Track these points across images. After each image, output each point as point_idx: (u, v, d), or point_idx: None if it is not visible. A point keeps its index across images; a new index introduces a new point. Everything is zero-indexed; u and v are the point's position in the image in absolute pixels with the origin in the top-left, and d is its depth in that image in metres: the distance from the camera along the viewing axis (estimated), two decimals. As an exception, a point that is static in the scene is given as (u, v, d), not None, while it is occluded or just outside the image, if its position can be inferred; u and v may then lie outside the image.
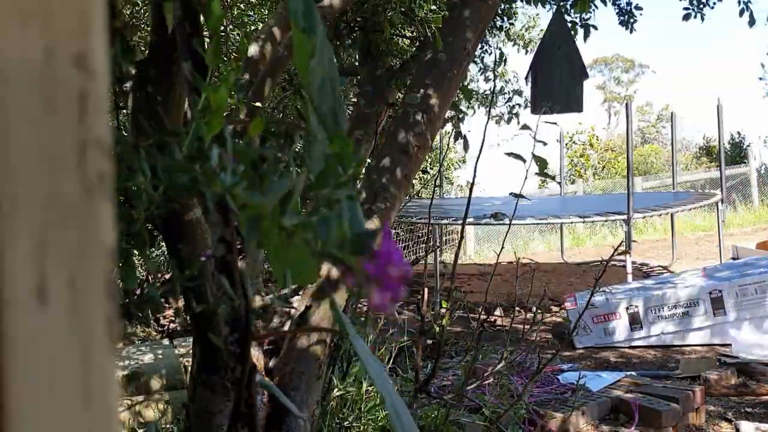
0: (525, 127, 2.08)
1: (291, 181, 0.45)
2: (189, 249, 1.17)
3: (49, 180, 0.28)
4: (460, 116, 4.54)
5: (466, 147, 3.25)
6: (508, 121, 7.23)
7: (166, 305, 0.87)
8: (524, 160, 1.92)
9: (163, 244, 1.42)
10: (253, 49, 1.87)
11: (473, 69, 7.70)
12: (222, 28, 3.85)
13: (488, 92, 6.69)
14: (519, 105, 7.26)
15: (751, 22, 4.91)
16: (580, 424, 3.25)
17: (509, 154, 1.92)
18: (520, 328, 3.43)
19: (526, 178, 2.09)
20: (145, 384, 3.17)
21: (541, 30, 7.14)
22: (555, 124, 2.53)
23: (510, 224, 2.61)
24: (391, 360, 3.29)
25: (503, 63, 6.77)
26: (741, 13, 4.91)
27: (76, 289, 0.28)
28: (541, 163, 1.89)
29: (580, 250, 10.68)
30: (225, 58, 3.90)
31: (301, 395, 1.59)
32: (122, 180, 0.72)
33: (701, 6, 5.02)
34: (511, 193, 2.07)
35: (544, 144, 2.11)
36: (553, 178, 2.13)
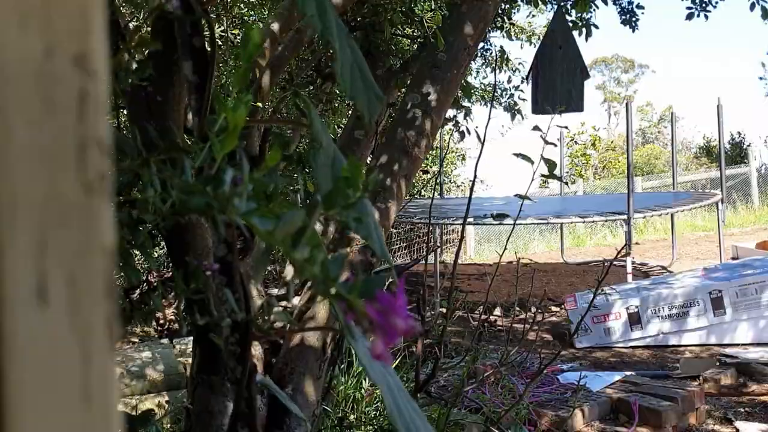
0: (536, 128, 2.08)
1: (304, 213, 0.45)
2: (192, 256, 1.17)
3: (49, 180, 0.28)
4: (465, 112, 4.54)
5: (462, 136, 3.24)
6: (512, 116, 7.22)
7: (165, 304, 0.87)
8: (532, 162, 1.92)
9: (163, 243, 1.41)
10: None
11: (478, 62, 7.67)
12: (222, 28, 3.85)
13: (493, 85, 6.67)
14: (523, 100, 7.24)
15: (764, 15, 4.87)
16: (580, 424, 3.25)
17: (517, 155, 1.91)
18: (520, 329, 3.43)
19: (533, 179, 2.09)
20: (145, 383, 3.17)
21: (547, 20, 7.12)
22: (566, 127, 2.54)
23: (514, 224, 2.60)
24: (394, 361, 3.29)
25: (506, 60, 6.75)
26: (752, 7, 4.87)
27: (76, 289, 0.28)
28: (550, 164, 1.88)
29: (580, 250, 10.68)
30: (225, 59, 3.90)
31: (301, 395, 1.59)
32: (127, 189, 0.72)
33: (704, 5, 5.00)
34: (516, 195, 2.07)
35: (555, 145, 2.11)
36: (560, 179, 2.12)
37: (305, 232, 0.44)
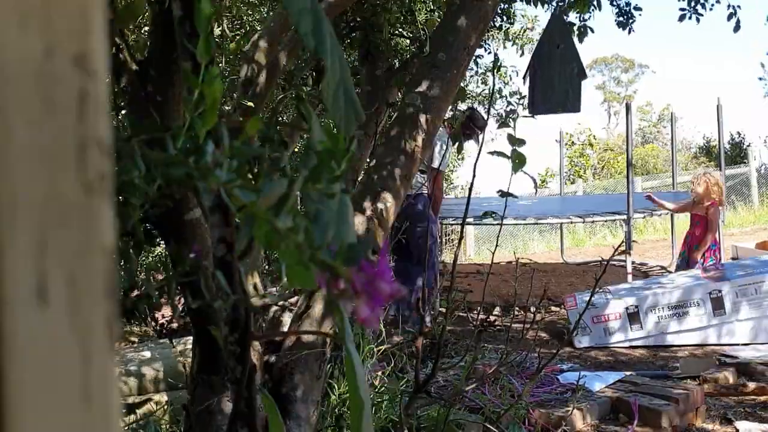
0: (503, 125, 2.06)
1: (286, 183, 0.45)
2: (188, 249, 1.17)
3: (49, 180, 0.28)
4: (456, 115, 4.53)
5: (459, 149, 3.25)
6: (501, 126, 7.23)
7: (163, 300, 0.87)
8: (508, 157, 1.91)
9: (163, 243, 1.42)
10: (252, 49, 1.87)
11: (470, 72, 7.67)
12: (221, 29, 3.85)
13: (486, 93, 6.69)
14: (521, 105, 7.26)
15: (736, 28, 4.95)
16: (579, 424, 3.25)
17: (492, 153, 1.91)
18: (519, 328, 3.43)
19: (512, 175, 2.07)
20: (145, 383, 3.17)
21: (540, 32, 7.13)
22: (533, 116, 2.52)
23: (501, 224, 2.59)
24: (391, 362, 3.29)
25: (499, 68, 6.77)
26: (729, 17, 4.93)
27: (76, 289, 0.28)
28: (519, 160, 1.87)
29: (580, 250, 10.68)
30: (223, 58, 3.90)
31: (300, 395, 1.59)
32: (117, 175, 0.72)
33: (696, 7, 5.03)
34: (498, 191, 2.06)
35: (522, 143, 2.06)
36: (537, 182, 2.11)
37: (287, 200, 0.44)
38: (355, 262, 0.42)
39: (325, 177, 0.48)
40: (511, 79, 7.65)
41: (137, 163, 0.58)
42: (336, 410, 2.82)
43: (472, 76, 7.96)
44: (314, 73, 3.76)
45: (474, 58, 6.83)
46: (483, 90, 8.29)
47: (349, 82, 0.64)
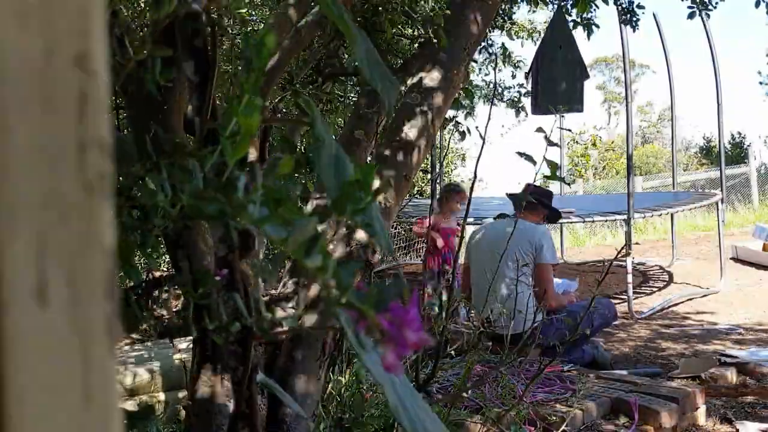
0: (540, 130, 2.07)
1: (317, 223, 0.45)
2: (195, 257, 1.17)
3: (49, 180, 0.28)
4: (468, 111, 4.52)
5: (463, 136, 3.25)
6: (517, 113, 7.23)
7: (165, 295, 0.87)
8: (534, 162, 1.91)
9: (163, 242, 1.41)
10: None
11: (480, 58, 7.61)
12: (222, 30, 3.84)
13: (494, 84, 6.65)
14: (526, 96, 7.25)
15: None
16: (580, 424, 3.25)
17: (520, 155, 1.90)
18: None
19: (534, 180, 2.08)
20: (143, 382, 3.17)
21: (547, 17, 7.08)
22: (569, 130, 2.54)
23: (515, 225, 2.61)
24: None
25: (508, 57, 6.76)
26: (757, 4, 4.89)
27: (76, 289, 0.28)
28: (553, 166, 1.87)
29: (580, 250, 10.67)
30: (225, 59, 3.90)
31: (301, 395, 1.59)
32: (128, 191, 0.72)
33: (705, 5, 5.01)
34: (507, 194, 2.07)
35: (558, 146, 2.11)
36: (563, 179, 2.11)
37: (318, 240, 0.44)
38: (384, 306, 0.42)
39: (349, 209, 0.48)
40: (519, 67, 7.60)
41: (164, 188, 0.59)
42: (338, 408, 2.82)
43: (482, 63, 7.89)
44: (315, 73, 3.76)
45: (482, 47, 6.80)
46: (491, 80, 8.20)
47: (375, 52, 0.64)
